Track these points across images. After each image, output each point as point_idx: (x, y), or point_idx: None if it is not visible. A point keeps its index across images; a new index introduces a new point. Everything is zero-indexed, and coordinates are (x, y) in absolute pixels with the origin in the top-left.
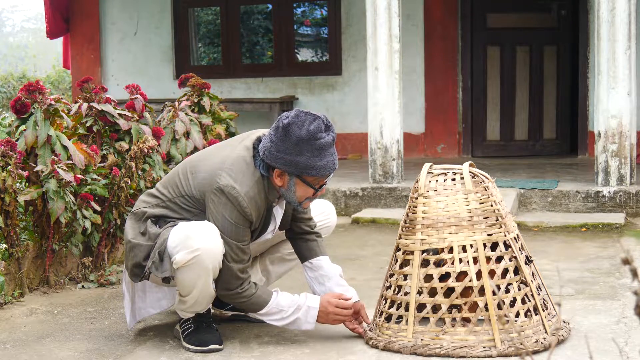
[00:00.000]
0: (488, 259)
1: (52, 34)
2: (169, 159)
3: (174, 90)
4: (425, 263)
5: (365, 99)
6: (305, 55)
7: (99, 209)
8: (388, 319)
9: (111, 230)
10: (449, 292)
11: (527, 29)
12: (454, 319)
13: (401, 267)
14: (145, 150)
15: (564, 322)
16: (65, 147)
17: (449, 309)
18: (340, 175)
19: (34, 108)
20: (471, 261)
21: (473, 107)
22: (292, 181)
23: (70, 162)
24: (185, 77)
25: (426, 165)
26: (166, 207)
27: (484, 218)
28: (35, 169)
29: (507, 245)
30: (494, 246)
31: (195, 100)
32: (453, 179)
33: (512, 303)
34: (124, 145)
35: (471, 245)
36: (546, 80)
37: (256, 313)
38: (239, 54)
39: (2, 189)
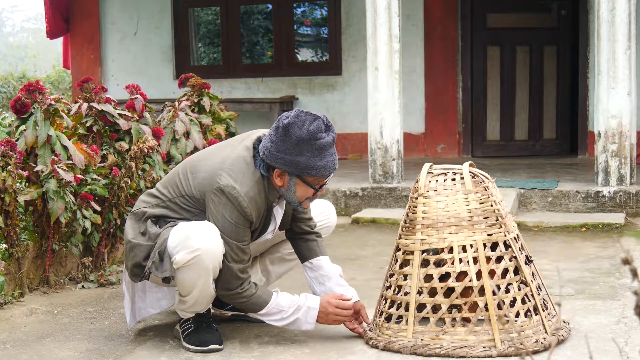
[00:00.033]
0: (488, 259)
1: (52, 34)
2: (169, 159)
3: (174, 90)
4: (425, 263)
5: (365, 99)
6: (305, 55)
7: (99, 209)
8: (388, 319)
9: (111, 230)
10: (449, 292)
11: (527, 29)
12: (454, 319)
13: (401, 267)
14: (145, 150)
15: (564, 322)
16: (65, 147)
17: (449, 309)
18: (340, 175)
19: (34, 108)
20: (471, 261)
21: (473, 107)
22: (292, 181)
23: (70, 162)
24: (185, 77)
25: (426, 165)
26: (166, 207)
27: (484, 218)
28: (35, 169)
29: (507, 245)
30: (494, 246)
31: (195, 100)
32: (453, 179)
33: (512, 303)
34: (124, 145)
35: (471, 245)
36: (546, 80)
37: (256, 313)
38: (239, 54)
39: (2, 189)
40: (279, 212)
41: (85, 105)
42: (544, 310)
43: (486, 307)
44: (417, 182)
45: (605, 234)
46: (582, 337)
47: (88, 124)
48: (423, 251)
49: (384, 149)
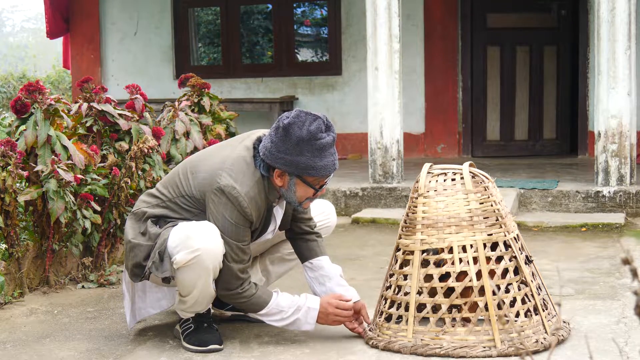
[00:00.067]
0: (488, 259)
1: (52, 34)
2: (169, 159)
3: (174, 90)
4: (425, 263)
5: (365, 99)
6: (305, 55)
7: (99, 209)
8: (388, 319)
9: (111, 230)
10: (449, 292)
11: (527, 29)
12: (454, 319)
13: (401, 267)
14: (145, 150)
15: (564, 322)
16: (65, 147)
17: (449, 309)
18: (340, 175)
19: (34, 108)
20: (471, 261)
21: (473, 107)
22: (292, 181)
23: (70, 162)
24: (185, 77)
25: (426, 165)
26: (166, 207)
27: (484, 218)
28: (35, 169)
29: (507, 245)
30: (494, 246)
31: (195, 100)
32: (453, 179)
33: (512, 303)
34: (124, 145)
35: (471, 245)
36: (546, 80)
37: (256, 313)
38: (239, 54)
39: (2, 189)
40: (279, 212)
41: (85, 105)
42: (544, 310)
43: (486, 307)
44: (417, 182)
45: (605, 234)
46: (582, 337)
47: (88, 124)
48: (423, 251)
49: (384, 149)
